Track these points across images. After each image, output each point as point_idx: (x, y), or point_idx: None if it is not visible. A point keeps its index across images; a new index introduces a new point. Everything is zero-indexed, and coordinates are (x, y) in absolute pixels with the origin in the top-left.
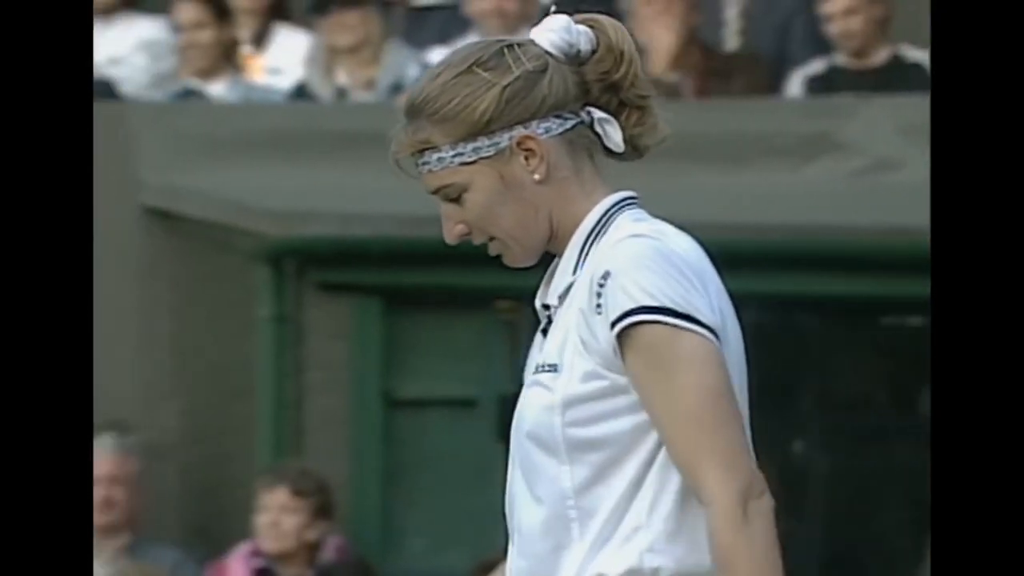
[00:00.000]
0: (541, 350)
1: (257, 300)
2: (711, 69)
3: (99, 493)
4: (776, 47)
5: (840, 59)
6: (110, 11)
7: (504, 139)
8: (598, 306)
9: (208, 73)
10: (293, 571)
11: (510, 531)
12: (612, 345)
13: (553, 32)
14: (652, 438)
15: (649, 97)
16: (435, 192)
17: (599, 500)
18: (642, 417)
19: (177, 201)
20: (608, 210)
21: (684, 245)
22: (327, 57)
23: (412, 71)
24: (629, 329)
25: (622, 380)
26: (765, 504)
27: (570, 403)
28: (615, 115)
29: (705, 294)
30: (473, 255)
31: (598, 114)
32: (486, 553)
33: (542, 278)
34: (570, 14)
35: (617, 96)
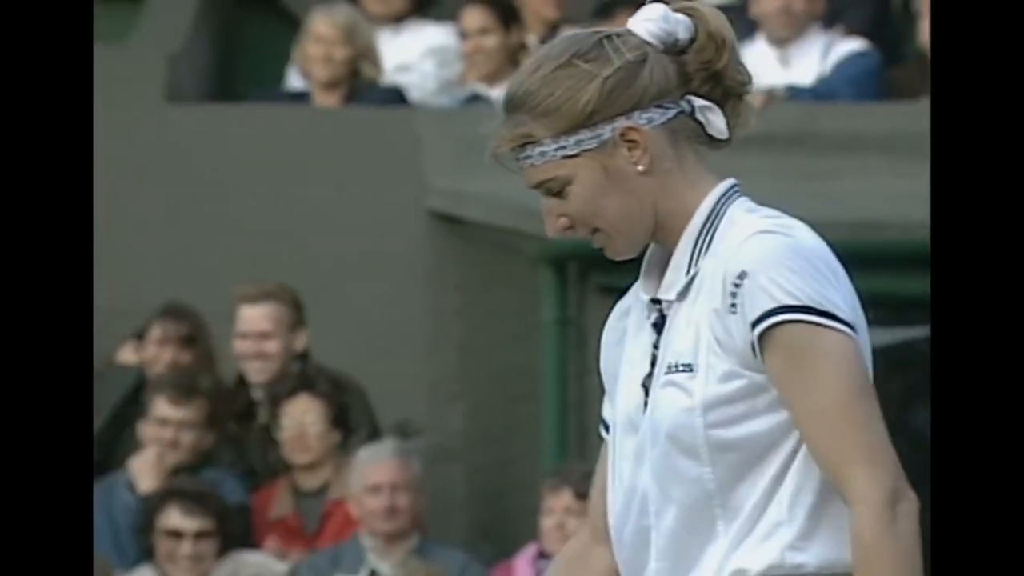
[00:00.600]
0: (658, 346)
1: (541, 303)
2: None
3: (381, 502)
4: None
5: None
6: (400, 18)
7: (607, 131)
8: (732, 305)
9: (494, 78)
10: None
11: (615, 531)
12: (751, 344)
13: (651, 21)
14: (793, 436)
15: (747, 83)
16: (537, 186)
17: (743, 498)
18: (782, 415)
19: (463, 205)
20: (718, 200)
21: (812, 238)
22: None
23: None
24: (771, 329)
25: (760, 379)
26: (912, 505)
27: (711, 405)
28: (719, 103)
29: (841, 289)
30: None
31: (699, 102)
32: None
33: (638, 269)
34: (667, 2)
35: (721, 85)
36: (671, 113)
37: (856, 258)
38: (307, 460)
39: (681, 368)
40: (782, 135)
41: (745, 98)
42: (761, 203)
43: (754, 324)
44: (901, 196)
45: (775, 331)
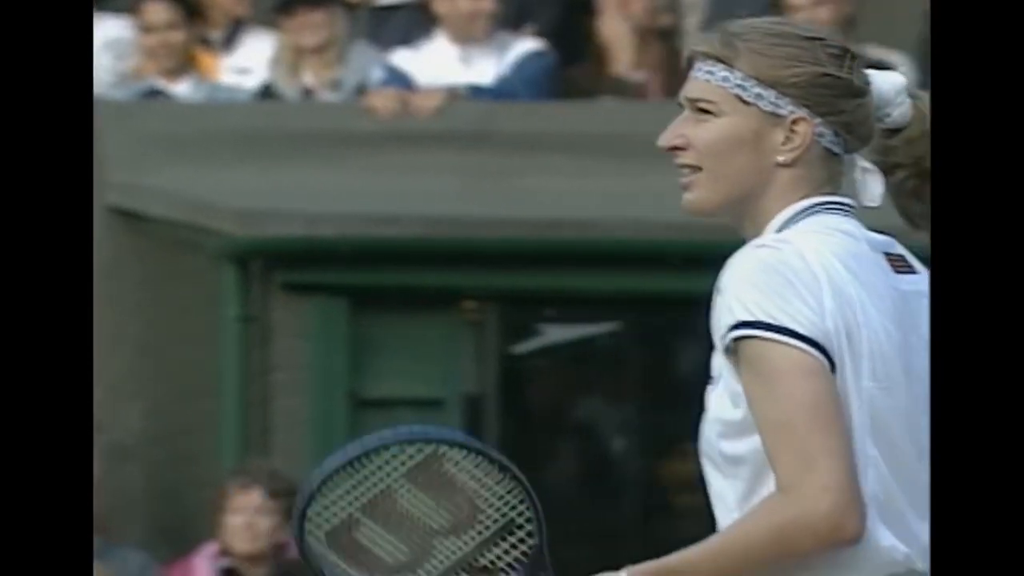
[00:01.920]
0: None
1: (223, 300)
2: (675, 69)
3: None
4: None
5: None
6: None
7: (787, 108)
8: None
9: (174, 73)
10: (259, 571)
11: None
12: (728, 358)
13: (886, 83)
14: None
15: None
16: (689, 100)
17: None
18: None
19: (142, 201)
20: (796, 215)
21: (805, 253)
22: (292, 57)
23: (376, 71)
24: (735, 344)
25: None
26: (825, 522)
27: (717, 417)
28: (915, 193)
29: (813, 301)
30: (438, 254)
31: (860, 163)
32: None
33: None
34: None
35: (922, 179)
36: (837, 148)
37: (536, 256)
38: None
39: (711, 379)
40: (463, 133)
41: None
42: (458, 201)
43: (722, 339)
44: (580, 194)
45: (738, 345)
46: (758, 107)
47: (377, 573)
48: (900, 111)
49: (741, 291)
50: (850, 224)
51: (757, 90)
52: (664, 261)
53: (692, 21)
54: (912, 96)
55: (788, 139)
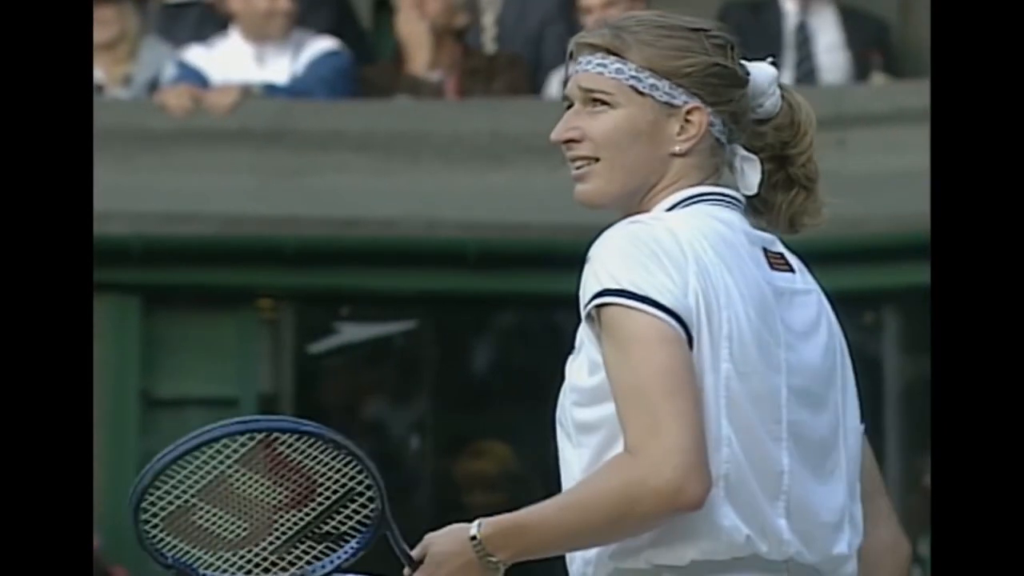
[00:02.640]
0: None
1: None
2: (472, 69)
3: None
4: (532, 52)
5: None
6: None
7: (681, 99)
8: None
9: None
10: None
11: None
12: (591, 327)
13: (760, 73)
14: None
15: (815, 182)
16: (582, 91)
17: None
18: None
19: None
20: (680, 202)
21: (675, 229)
22: None
23: (168, 68)
24: (596, 311)
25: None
26: (667, 486)
27: (573, 385)
28: (780, 188)
29: (678, 276)
30: (233, 253)
31: (742, 152)
32: None
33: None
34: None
35: (785, 170)
36: (724, 138)
37: (331, 254)
38: None
39: (571, 350)
40: (259, 131)
41: (815, 193)
42: (253, 199)
43: (586, 306)
44: (376, 193)
45: (599, 312)
46: (653, 98)
47: (219, 550)
48: (772, 100)
49: (608, 260)
50: (731, 215)
51: (651, 81)
52: (459, 260)
53: (488, 19)
54: (779, 87)
55: (683, 129)
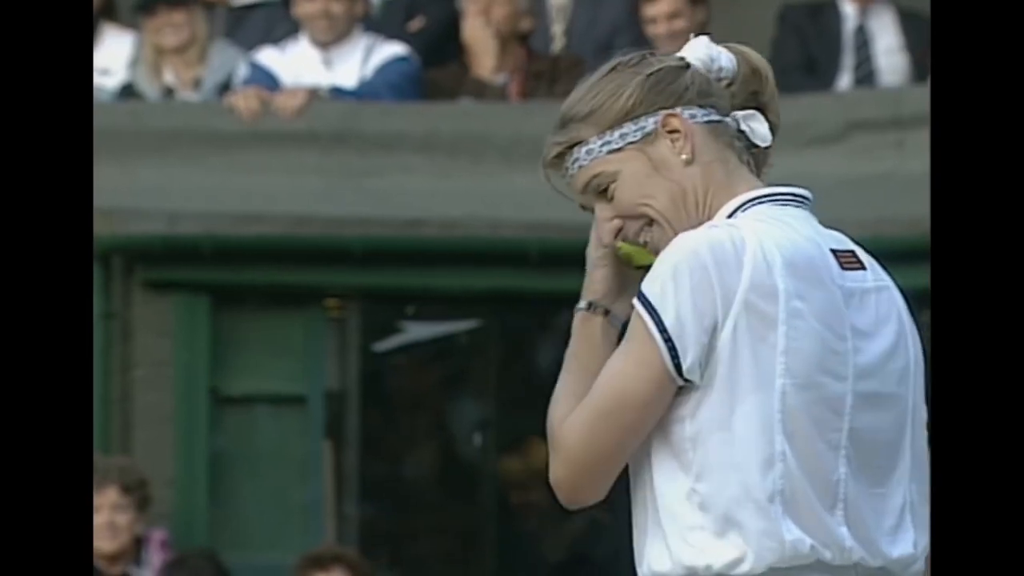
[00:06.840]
0: None
1: None
2: (535, 72)
3: None
4: (601, 60)
5: None
6: None
7: (649, 123)
8: None
9: None
10: (118, 569)
11: None
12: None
13: (693, 48)
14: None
15: (777, 126)
16: (584, 190)
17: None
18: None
19: None
20: (742, 205)
21: (752, 240)
22: (153, 57)
23: (240, 70)
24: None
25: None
26: (555, 479)
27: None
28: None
29: (712, 303)
30: (300, 253)
31: (740, 113)
32: (311, 548)
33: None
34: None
35: (769, 121)
36: (714, 116)
37: (397, 254)
38: None
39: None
40: (326, 134)
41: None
42: (320, 200)
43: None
44: (440, 194)
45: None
46: (631, 143)
47: None
48: (724, 57)
49: (664, 265)
50: (797, 213)
51: (616, 134)
52: (521, 259)
53: (558, 28)
54: (725, 48)
55: (674, 141)
